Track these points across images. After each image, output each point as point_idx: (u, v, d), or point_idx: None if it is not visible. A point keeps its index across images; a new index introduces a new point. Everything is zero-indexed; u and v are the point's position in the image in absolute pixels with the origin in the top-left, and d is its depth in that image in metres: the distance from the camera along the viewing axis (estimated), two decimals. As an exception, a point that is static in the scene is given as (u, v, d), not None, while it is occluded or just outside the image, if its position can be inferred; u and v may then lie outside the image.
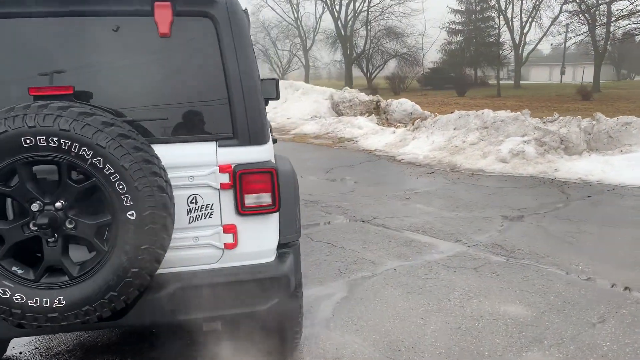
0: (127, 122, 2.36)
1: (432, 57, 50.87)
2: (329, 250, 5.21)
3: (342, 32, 48.03)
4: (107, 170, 2.16)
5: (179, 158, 2.51)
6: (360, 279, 4.50)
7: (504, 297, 4.10)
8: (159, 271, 2.53)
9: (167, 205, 2.28)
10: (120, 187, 2.17)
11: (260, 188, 2.59)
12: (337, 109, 17.54)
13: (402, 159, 10.21)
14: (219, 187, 2.55)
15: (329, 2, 47.94)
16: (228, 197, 2.57)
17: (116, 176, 2.16)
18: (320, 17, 51.38)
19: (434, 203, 6.99)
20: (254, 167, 2.57)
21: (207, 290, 2.54)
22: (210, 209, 2.57)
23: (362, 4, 47.35)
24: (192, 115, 2.60)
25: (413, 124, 12.50)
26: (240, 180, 2.55)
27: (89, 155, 2.14)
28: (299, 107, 18.23)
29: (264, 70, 58.73)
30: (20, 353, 3.49)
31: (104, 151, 2.14)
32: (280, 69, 54.36)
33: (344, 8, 48.01)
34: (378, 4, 46.89)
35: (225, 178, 2.54)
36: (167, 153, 2.48)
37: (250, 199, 2.59)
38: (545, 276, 4.48)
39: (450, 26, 49.29)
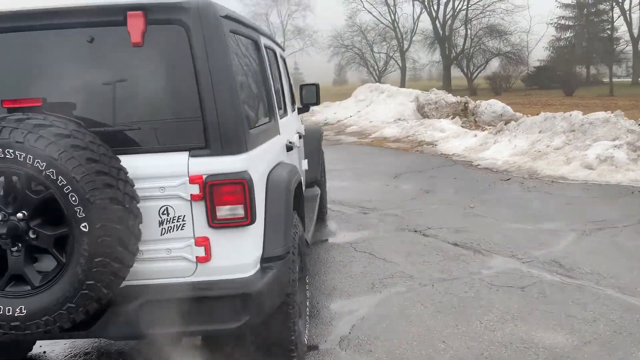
0: (97, 132, 2.36)
1: (538, 54, 48.10)
2: (369, 262, 4.98)
3: (440, 32, 46.83)
4: (60, 182, 2.15)
5: (150, 169, 2.46)
6: (391, 295, 4.25)
7: (544, 322, 3.67)
8: (130, 283, 2.50)
9: (123, 218, 2.23)
10: (73, 199, 2.16)
11: (232, 200, 2.47)
12: (423, 112, 17.04)
13: (479, 165, 9.65)
14: (189, 199, 2.47)
15: (426, 2, 46.97)
16: (200, 209, 2.49)
17: (68, 188, 2.15)
18: (418, 18, 50.45)
19: (498, 213, 6.49)
20: (225, 178, 2.46)
21: (176, 305, 2.47)
22: (182, 220, 2.50)
23: (461, 3, 45.95)
24: (164, 125, 2.55)
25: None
26: (211, 191, 2.46)
27: (42, 167, 2.14)
28: (383, 110, 17.92)
29: (362, 75, 58.73)
30: (44, 353, 3.64)
31: (56, 163, 2.14)
32: (377, 72, 54.00)
33: (442, 8, 46.82)
34: (479, 1, 45.22)
35: (196, 189, 2.45)
36: (139, 163, 2.45)
37: (222, 211, 2.49)
38: (602, 300, 3.96)
39: (559, 22, 46.39)
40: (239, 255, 2.56)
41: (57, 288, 2.24)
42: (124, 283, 2.50)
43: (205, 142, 2.48)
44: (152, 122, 2.54)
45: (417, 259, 5.01)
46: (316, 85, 5.25)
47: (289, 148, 3.71)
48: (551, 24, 46.58)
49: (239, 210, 2.48)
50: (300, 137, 4.53)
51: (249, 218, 2.49)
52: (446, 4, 46.50)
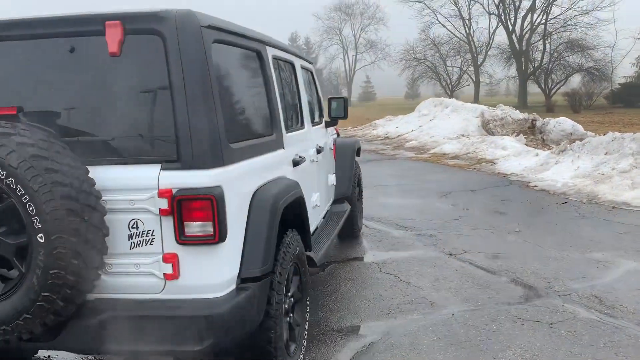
0: (71, 142, 2.34)
1: (623, 71, 45.33)
2: (392, 284, 4.74)
3: (517, 46, 45.29)
4: (19, 192, 2.13)
5: (120, 180, 2.41)
6: (406, 322, 3.99)
7: (566, 365, 3.31)
8: (100, 296, 2.46)
9: (80, 230, 2.18)
10: (30, 208, 2.13)
11: (201, 216, 2.37)
12: (487, 128, 16.42)
13: (536, 186, 9.09)
14: (158, 213, 2.39)
15: (503, 16, 45.62)
16: (168, 225, 2.40)
17: (26, 197, 2.13)
18: (494, 31, 49.09)
19: (545, 239, 6.03)
20: (194, 193, 2.36)
21: (140, 322, 2.39)
22: (151, 235, 2.42)
23: (540, 17, 44.23)
24: (138, 136, 2.49)
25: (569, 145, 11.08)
26: (179, 206, 2.36)
27: (2, 175, 2.13)
28: (445, 125, 17.44)
29: (435, 88, 57.72)
30: (49, 357, 3.69)
31: (15, 172, 2.12)
32: (449, 86, 52.92)
33: (519, 21, 45.30)
34: (559, 15, 43.36)
35: (164, 203, 2.36)
36: (111, 175, 2.40)
37: (191, 228, 2.39)
38: (638, 343, 3.53)
39: (648, 36, 43.47)
40: (208, 274, 2.45)
41: (15, 298, 2.22)
42: (95, 295, 2.46)
43: (177, 155, 2.40)
44: (126, 133, 2.49)
45: (444, 285, 4.71)
46: (344, 99, 5.10)
47: (296, 163, 3.58)
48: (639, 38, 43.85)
49: (208, 228, 2.37)
50: (318, 152, 4.38)
51: (217, 236, 2.38)
52: (524, 18, 44.96)
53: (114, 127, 2.49)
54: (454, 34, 51.02)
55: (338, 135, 6.62)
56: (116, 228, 2.41)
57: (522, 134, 14.65)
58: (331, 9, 78.78)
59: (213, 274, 2.45)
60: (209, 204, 2.35)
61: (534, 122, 15.60)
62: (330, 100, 5.10)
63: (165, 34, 2.39)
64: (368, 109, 52.22)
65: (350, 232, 6.13)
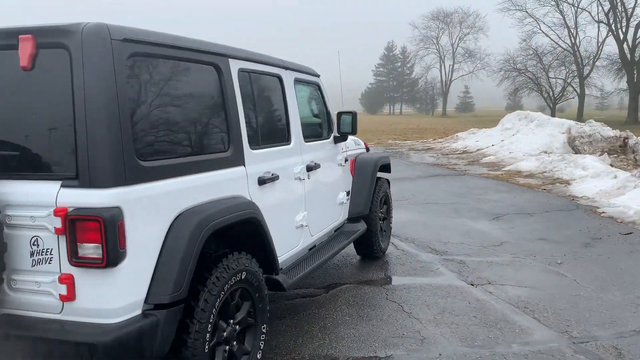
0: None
1: None
2: (390, 314, 4.40)
3: (629, 56, 41.86)
4: None
5: (23, 196, 2.37)
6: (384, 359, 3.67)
7: None
8: (5, 311, 2.43)
9: None
10: None
11: (91, 238, 2.27)
12: (574, 145, 15.19)
13: (604, 212, 8.20)
14: (54, 232, 2.32)
15: (613, 24, 42.42)
16: (64, 244, 2.33)
17: None
18: (603, 41, 45.75)
19: (587, 274, 5.37)
20: (86, 214, 2.27)
21: (31, 343, 2.33)
22: (50, 254, 2.36)
23: (655, 24, 40.61)
24: (42, 151, 2.45)
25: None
26: (72, 226, 2.28)
27: None
28: (528, 141, 16.37)
29: (540, 100, 54.69)
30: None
31: None
32: (552, 99, 49.96)
33: (631, 30, 41.87)
34: (679, 22, 39.58)
35: (58, 222, 2.29)
36: (15, 190, 2.38)
37: (84, 249, 2.30)
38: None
39: None
40: (102, 298, 2.34)
41: None
42: (2, 310, 2.45)
43: (76, 172, 2.32)
44: (33, 148, 2.46)
45: (447, 319, 4.30)
46: (352, 114, 4.83)
47: (264, 181, 3.40)
48: None
49: (98, 250, 2.27)
50: (311, 169, 4.17)
51: (105, 260, 2.26)
52: (637, 26, 41.45)
53: (21, 141, 2.47)
54: (558, 44, 48.21)
55: (367, 150, 6.36)
56: (19, 244, 2.38)
57: (610, 154, 13.39)
58: (429, 18, 77.67)
59: (107, 298, 2.34)
60: (98, 225, 2.24)
61: (625, 141, 14.23)
62: (339, 115, 4.86)
63: (71, 47, 2.33)
64: (462, 120, 50.62)
65: (369, 253, 5.84)
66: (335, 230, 5.16)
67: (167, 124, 2.70)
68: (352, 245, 5.78)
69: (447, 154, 18.11)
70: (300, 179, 4.00)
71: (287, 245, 3.85)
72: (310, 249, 4.47)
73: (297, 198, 3.98)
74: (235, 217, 2.92)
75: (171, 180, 2.63)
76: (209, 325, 2.72)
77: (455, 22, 77.32)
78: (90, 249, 2.28)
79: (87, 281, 2.32)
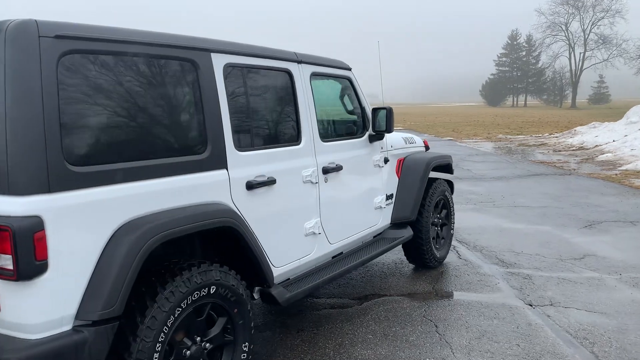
0: None
1: None
2: (418, 336, 3.92)
3: None
4: None
5: None
6: (393, 388, 3.24)
7: None
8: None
9: None
10: None
11: (2, 248, 2.13)
12: None
13: None
14: None
15: None
16: None
17: None
18: None
19: (681, 301, 4.45)
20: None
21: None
22: None
23: None
24: None
25: None
26: None
27: None
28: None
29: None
30: None
31: None
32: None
33: None
34: None
35: None
36: None
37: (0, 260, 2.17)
38: None
39: None
40: (22, 312, 2.20)
41: None
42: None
43: None
44: None
45: (484, 346, 3.74)
46: (387, 110, 4.36)
47: (254, 185, 3.12)
48: None
49: (8, 262, 2.13)
50: (327, 171, 3.80)
51: (16, 273, 2.11)
52: None
53: None
54: None
55: (427, 148, 5.83)
56: None
57: None
58: (557, 4, 72.17)
59: (27, 312, 2.20)
60: (7, 235, 2.10)
61: None
62: (374, 111, 4.42)
63: None
64: (593, 112, 46.48)
65: (420, 262, 5.33)
66: (374, 237, 4.75)
67: (111, 126, 2.50)
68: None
69: (559, 151, 16.56)
70: (312, 182, 3.66)
71: (292, 254, 3.54)
72: (334, 257, 4.12)
73: (306, 203, 3.64)
74: (198, 226, 2.67)
75: (115, 187, 2.43)
76: (158, 345, 2.50)
77: (587, 6, 71.12)
78: (4, 260, 2.15)
79: (7, 293, 2.20)
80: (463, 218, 7.62)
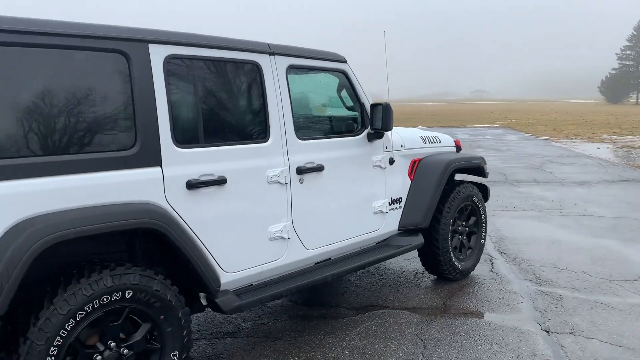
0: None
1: None
2: (399, 356, 3.54)
3: None
4: None
5: None
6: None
7: None
8: None
9: None
10: None
11: None
12: None
13: None
14: None
15: None
16: None
17: None
18: None
19: None
20: None
21: None
22: None
23: None
24: None
25: None
26: None
27: None
28: None
29: None
30: None
31: None
32: None
33: None
34: None
35: None
36: None
37: None
38: None
39: None
40: None
41: None
42: None
43: None
44: None
45: (468, 375, 3.28)
46: (383, 106, 3.96)
47: (194, 185, 2.92)
48: None
49: None
50: (303, 171, 3.52)
51: None
52: None
53: None
54: None
55: (459, 149, 5.34)
56: None
57: None
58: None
59: None
60: None
61: None
62: (372, 108, 4.04)
63: None
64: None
65: (438, 273, 4.88)
66: (377, 243, 4.39)
67: (13, 120, 2.41)
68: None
69: (667, 154, 14.76)
70: (280, 183, 3.40)
71: (253, 259, 3.31)
72: (318, 263, 3.84)
73: (271, 205, 3.39)
74: (108, 227, 2.53)
75: (12, 183, 2.35)
76: (52, 349, 2.38)
77: None
78: None
79: None
80: (516, 226, 6.95)
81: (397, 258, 5.60)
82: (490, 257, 5.65)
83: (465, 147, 18.38)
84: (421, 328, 3.96)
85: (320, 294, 4.72)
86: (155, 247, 2.99)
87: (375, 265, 5.43)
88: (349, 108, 4.18)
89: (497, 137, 21.86)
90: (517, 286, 4.81)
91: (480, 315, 4.19)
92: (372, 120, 4.05)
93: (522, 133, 23.96)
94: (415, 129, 5.45)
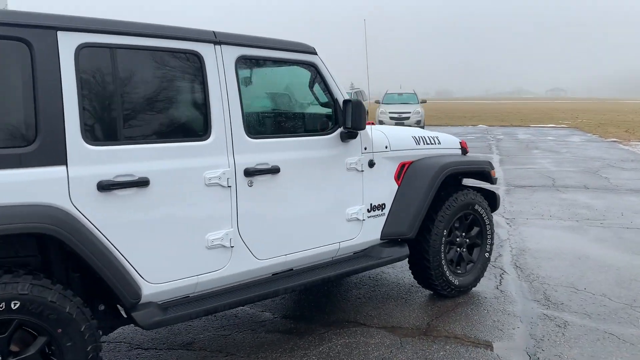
0: None
1: None
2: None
3: None
4: None
5: None
6: None
7: None
8: None
9: None
10: None
11: None
12: None
13: None
14: None
15: None
16: None
17: None
18: None
19: None
20: None
21: None
22: None
23: None
24: None
25: None
26: None
27: None
28: None
29: None
30: None
31: None
32: None
33: None
34: None
35: None
36: None
37: None
38: None
39: None
40: None
41: None
42: None
43: None
44: None
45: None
46: (352, 102, 3.53)
47: (106, 187, 2.65)
48: None
49: None
50: (252, 173, 3.19)
51: None
52: None
53: None
54: None
55: (465, 152, 4.83)
56: None
57: None
58: None
59: None
60: None
61: None
62: (344, 104, 3.63)
63: None
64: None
65: (431, 288, 4.41)
66: (355, 252, 3.98)
67: None
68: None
69: None
70: (221, 185, 3.09)
71: (185, 269, 3.01)
72: (276, 273, 3.50)
73: (209, 210, 3.07)
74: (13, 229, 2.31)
75: None
76: None
77: None
78: None
79: None
80: (545, 237, 6.29)
81: (396, 269, 5.16)
82: (502, 272, 5.09)
83: (520, 148, 17.39)
84: (391, 351, 3.53)
85: (298, 304, 4.38)
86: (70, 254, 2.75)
87: (369, 276, 5.02)
88: (323, 104, 3.80)
89: (560, 138, 20.52)
90: (520, 308, 4.26)
91: (464, 340, 3.70)
92: (344, 118, 3.65)
93: (589, 134, 22.39)
94: (409, 128, 4.96)
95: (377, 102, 24.75)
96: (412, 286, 4.73)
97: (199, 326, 3.96)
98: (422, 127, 22.40)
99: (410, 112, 22.74)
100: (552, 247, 5.89)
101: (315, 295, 4.56)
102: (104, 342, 3.61)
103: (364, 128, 3.63)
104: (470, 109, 55.30)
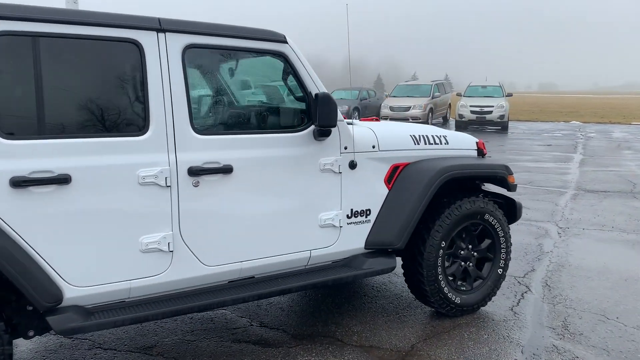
0: None
1: None
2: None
3: None
4: None
5: None
6: None
7: None
8: None
9: None
10: None
11: None
12: None
13: None
14: None
15: None
16: None
17: None
18: None
19: None
20: None
21: None
22: None
23: None
24: None
25: None
26: None
27: None
28: None
29: None
30: None
31: None
32: None
33: None
34: None
35: None
36: None
37: None
38: None
39: None
40: None
41: None
42: None
43: None
44: None
45: None
46: (319, 96, 3.14)
47: (20, 183, 2.51)
48: None
49: None
50: (198, 173, 2.94)
51: None
52: None
53: None
54: None
55: (483, 154, 4.30)
56: None
57: None
58: None
59: None
60: None
61: None
62: (315, 98, 3.26)
63: None
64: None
65: (427, 304, 3.96)
66: (334, 261, 3.62)
67: None
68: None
69: None
70: (158, 185, 2.86)
71: (116, 273, 2.82)
72: (232, 281, 3.24)
73: (144, 211, 2.85)
74: None
75: None
76: None
77: None
78: None
79: None
80: (593, 251, 5.55)
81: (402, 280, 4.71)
82: (525, 290, 4.50)
83: (610, 148, 15.85)
84: (355, 376, 3.16)
85: (282, 312, 4.08)
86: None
87: (372, 286, 4.63)
88: (297, 99, 3.46)
89: (662, 138, 18.51)
90: (528, 335, 3.70)
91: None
92: (316, 115, 3.28)
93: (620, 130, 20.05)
94: (410, 125, 4.44)
95: (459, 94, 23.60)
96: (414, 301, 4.28)
97: (169, 328, 3.80)
98: (506, 123, 21.11)
99: (493, 107, 21.43)
100: (597, 264, 5.15)
101: (306, 303, 4.25)
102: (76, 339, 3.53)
103: (334, 125, 3.25)
104: (570, 103, 51.69)
